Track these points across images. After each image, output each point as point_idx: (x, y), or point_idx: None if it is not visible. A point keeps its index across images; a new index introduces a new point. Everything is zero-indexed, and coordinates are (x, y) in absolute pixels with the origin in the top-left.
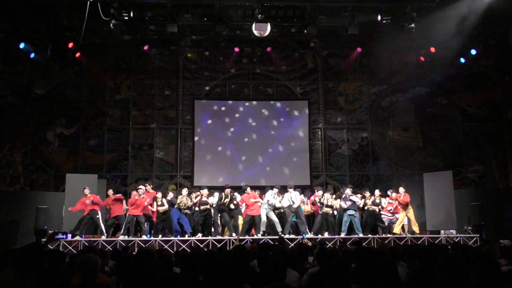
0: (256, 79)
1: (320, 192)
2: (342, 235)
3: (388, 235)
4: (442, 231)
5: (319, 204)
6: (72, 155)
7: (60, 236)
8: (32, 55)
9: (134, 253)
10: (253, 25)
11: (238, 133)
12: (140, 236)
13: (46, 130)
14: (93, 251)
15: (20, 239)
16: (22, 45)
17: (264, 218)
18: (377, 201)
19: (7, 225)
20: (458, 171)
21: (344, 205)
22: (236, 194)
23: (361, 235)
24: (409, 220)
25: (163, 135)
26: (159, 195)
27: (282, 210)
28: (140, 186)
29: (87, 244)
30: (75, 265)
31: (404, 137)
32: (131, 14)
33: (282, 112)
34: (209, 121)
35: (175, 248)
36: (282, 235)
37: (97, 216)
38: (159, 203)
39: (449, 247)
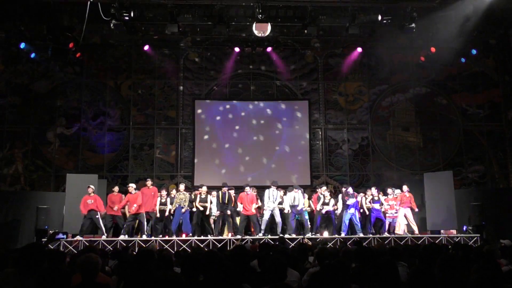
0: (257, 79)
1: (324, 188)
2: (342, 234)
3: (388, 235)
4: (442, 231)
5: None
6: (72, 155)
7: (60, 236)
8: (33, 55)
9: (134, 253)
10: (254, 25)
11: (238, 133)
12: (141, 236)
13: (47, 130)
14: (93, 251)
15: (20, 239)
16: (22, 45)
17: (266, 217)
18: (376, 198)
19: (8, 225)
20: (459, 171)
21: (345, 203)
22: (233, 192)
23: (361, 234)
24: (406, 219)
25: (163, 135)
26: (163, 193)
27: (286, 210)
28: (130, 185)
29: (87, 244)
30: (76, 265)
31: (404, 137)
32: (131, 14)
33: (282, 112)
34: (210, 121)
35: (175, 248)
36: (285, 235)
37: (97, 217)
38: (163, 201)
39: (450, 247)
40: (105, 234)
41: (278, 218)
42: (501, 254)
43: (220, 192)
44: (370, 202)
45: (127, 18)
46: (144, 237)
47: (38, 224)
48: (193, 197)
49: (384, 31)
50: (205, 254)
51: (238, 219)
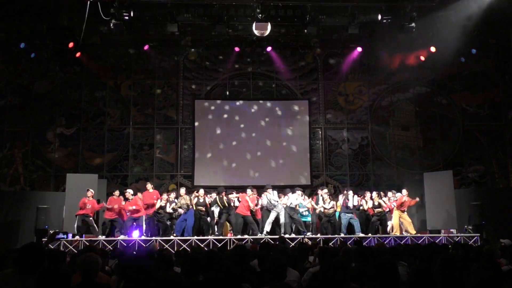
0: (256, 79)
1: (325, 190)
2: (342, 234)
3: (389, 235)
4: (442, 231)
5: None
6: (72, 155)
7: (60, 236)
8: (33, 55)
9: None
10: (253, 25)
11: (238, 133)
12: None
13: (47, 130)
14: (93, 250)
15: (20, 239)
16: (22, 45)
17: (271, 218)
18: (376, 203)
19: (8, 225)
20: (459, 170)
21: (346, 206)
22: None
23: (361, 234)
24: (403, 222)
25: (163, 135)
26: (164, 196)
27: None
28: (128, 190)
29: (87, 243)
30: (76, 265)
31: (404, 137)
32: (131, 14)
33: (282, 112)
34: (210, 121)
35: (175, 247)
36: (285, 235)
37: (90, 218)
38: (163, 204)
39: (450, 246)
40: (97, 231)
41: (282, 219)
42: (501, 254)
43: (217, 197)
44: (370, 206)
45: (127, 18)
46: (143, 237)
47: (38, 224)
48: (193, 198)
49: (384, 31)
50: (205, 253)
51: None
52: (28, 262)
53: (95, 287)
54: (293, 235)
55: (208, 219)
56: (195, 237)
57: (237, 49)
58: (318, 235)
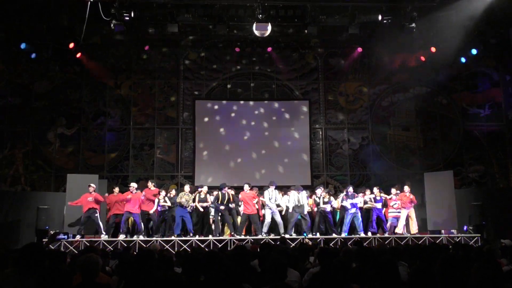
0: (257, 79)
1: (319, 191)
2: (343, 235)
3: (389, 235)
4: (442, 231)
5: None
6: (73, 155)
7: (61, 236)
8: (33, 55)
9: (135, 253)
10: (254, 25)
11: (238, 133)
12: (138, 236)
13: (47, 130)
14: (94, 251)
15: (21, 239)
16: (22, 45)
17: (268, 219)
18: (378, 198)
19: (8, 225)
20: (459, 170)
21: (347, 204)
22: (232, 192)
23: (362, 234)
24: (408, 219)
25: (163, 135)
26: (162, 193)
27: (287, 210)
28: (132, 184)
29: (88, 244)
30: (76, 265)
31: (404, 137)
32: (132, 14)
33: (282, 112)
34: (210, 121)
35: (176, 248)
36: (286, 235)
37: (96, 215)
38: (162, 201)
39: (450, 246)
40: (104, 233)
41: (278, 219)
42: (501, 254)
43: (219, 193)
44: (371, 200)
45: (127, 18)
46: (141, 237)
47: (38, 224)
48: (193, 195)
49: (385, 31)
50: (206, 254)
51: (239, 219)
52: (29, 263)
53: (96, 287)
54: (294, 235)
55: (212, 218)
56: (196, 238)
57: (237, 49)
58: (318, 235)
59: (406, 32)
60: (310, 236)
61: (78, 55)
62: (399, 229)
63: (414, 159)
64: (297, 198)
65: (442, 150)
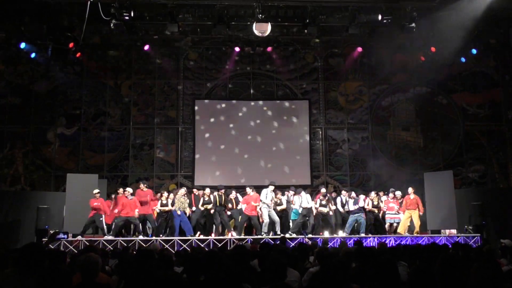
0: (257, 79)
1: (323, 190)
2: (344, 235)
3: (389, 235)
4: (442, 231)
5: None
6: (72, 155)
7: (61, 236)
8: (33, 55)
9: (134, 252)
10: (254, 25)
11: (238, 133)
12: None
13: (47, 130)
14: (94, 250)
15: (20, 239)
16: (22, 45)
17: (266, 219)
18: (375, 202)
19: (8, 225)
20: (459, 170)
21: (352, 208)
22: (234, 193)
23: (363, 235)
24: (411, 221)
25: (163, 135)
26: (165, 194)
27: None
28: (127, 189)
29: (87, 243)
30: (76, 265)
31: (404, 137)
32: (131, 14)
33: (282, 112)
34: (210, 121)
35: (176, 247)
36: (285, 234)
37: (100, 219)
38: (164, 202)
39: (450, 246)
40: (108, 235)
41: (275, 218)
42: (501, 254)
43: (217, 194)
44: (370, 205)
45: (127, 18)
46: (141, 237)
47: (38, 224)
48: (188, 200)
49: (384, 31)
50: (206, 253)
51: (239, 218)
52: (28, 262)
53: (95, 287)
54: (293, 235)
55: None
56: (196, 237)
57: (237, 49)
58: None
59: (406, 32)
60: (310, 235)
61: (78, 55)
62: (401, 230)
63: (414, 159)
64: (301, 199)
65: (442, 150)
